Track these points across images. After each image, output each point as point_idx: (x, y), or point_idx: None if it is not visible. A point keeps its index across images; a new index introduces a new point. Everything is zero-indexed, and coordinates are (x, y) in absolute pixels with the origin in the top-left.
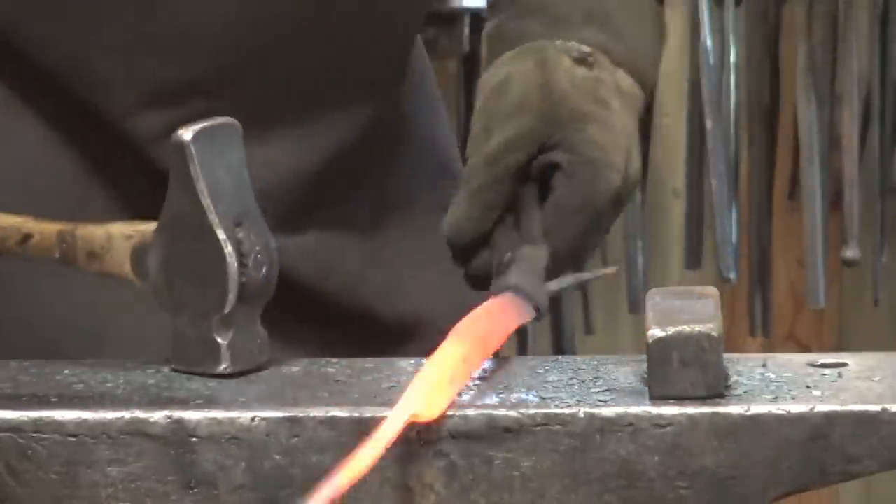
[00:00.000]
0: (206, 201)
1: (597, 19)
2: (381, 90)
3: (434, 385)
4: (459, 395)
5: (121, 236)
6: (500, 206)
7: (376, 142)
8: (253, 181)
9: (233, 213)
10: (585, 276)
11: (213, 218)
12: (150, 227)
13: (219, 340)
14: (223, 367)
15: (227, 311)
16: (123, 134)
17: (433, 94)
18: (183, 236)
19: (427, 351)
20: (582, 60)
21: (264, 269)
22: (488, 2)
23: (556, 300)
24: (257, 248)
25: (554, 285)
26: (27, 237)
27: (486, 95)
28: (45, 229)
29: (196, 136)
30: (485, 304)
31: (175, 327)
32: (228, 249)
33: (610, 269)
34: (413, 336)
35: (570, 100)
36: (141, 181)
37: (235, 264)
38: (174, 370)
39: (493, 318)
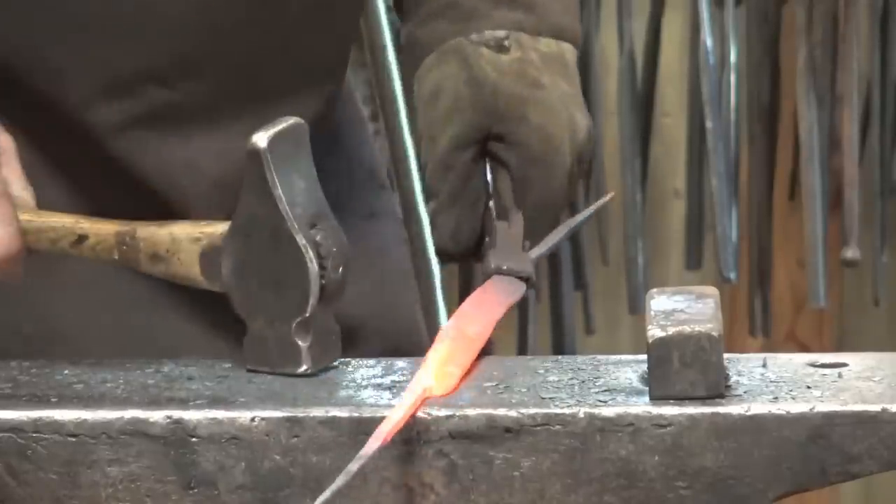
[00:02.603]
0: (284, 207)
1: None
2: (327, 83)
3: (444, 362)
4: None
5: (187, 239)
6: (479, 199)
7: (315, 141)
8: (209, 170)
9: (308, 216)
10: (576, 219)
11: (291, 223)
12: (217, 229)
13: (300, 343)
14: (304, 368)
15: (308, 314)
16: (79, 126)
17: (358, 106)
18: (259, 241)
19: (369, 354)
20: (500, 47)
21: (340, 270)
22: (399, 13)
23: (556, 299)
24: (334, 248)
25: (537, 251)
26: (82, 238)
27: (423, 107)
28: (101, 230)
29: (271, 142)
30: (475, 292)
31: (250, 329)
32: (309, 255)
33: (605, 198)
34: (354, 339)
35: (502, 88)
36: (98, 173)
37: (316, 269)
38: (249, 370)
39: (486, 303)
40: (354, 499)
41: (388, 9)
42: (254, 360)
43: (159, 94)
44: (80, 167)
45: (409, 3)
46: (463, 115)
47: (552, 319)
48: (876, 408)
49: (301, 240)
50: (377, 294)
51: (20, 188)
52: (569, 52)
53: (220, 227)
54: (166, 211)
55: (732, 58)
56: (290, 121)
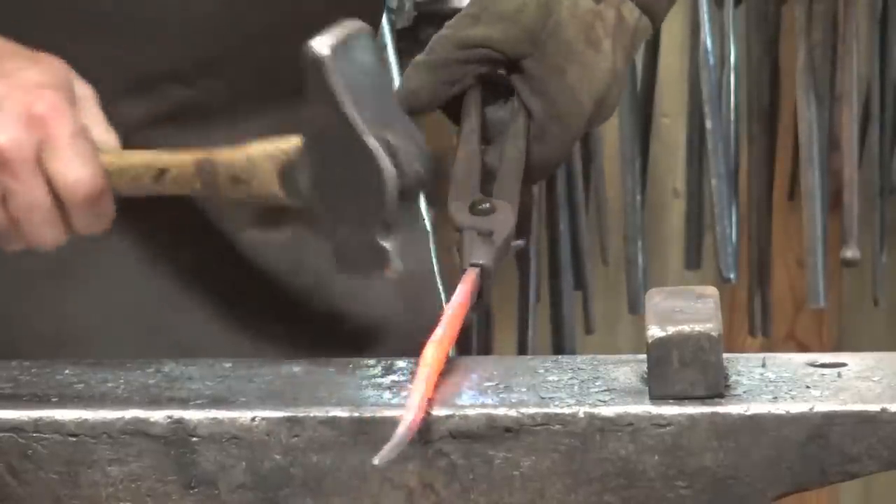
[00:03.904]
0: (353, 113)
1: None
2: None
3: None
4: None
5: (264, 157)
6: (456, 85)
7: None
8: None
9: (379, 118)
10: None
11: (361, 128)
12: (291, 143)
13: (385, 245)
14: (394, 268)
15: (388, 216)
16: None
17: None
18: (333, 150)
19: (392, 353)
20: None
21: (416, 165)
22: None
23: (556, 300)
24: (408, 147)
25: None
26: (163, 172)
27: None
28: (181, 162)
29: (333, 50)
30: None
31: (336, 238)
32: (382, 157)
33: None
34: (374, 340)
35: (563, 31)
36: None
37: (392, 170)
38: (341, 272)
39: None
40: (354, 499)
41: (388, 9)
42: (344, 267)
43: (179, 92)
44: None
45: None
46: (515, 27)
47: (552, 319)
48: (875, 408)
49: (372, 142)
50: (400, 293)
51: (102, 131)
52: (643, 30)
53: (295, 142)
54: (186, 208)
55: (732, 58)
56: (355, 25)
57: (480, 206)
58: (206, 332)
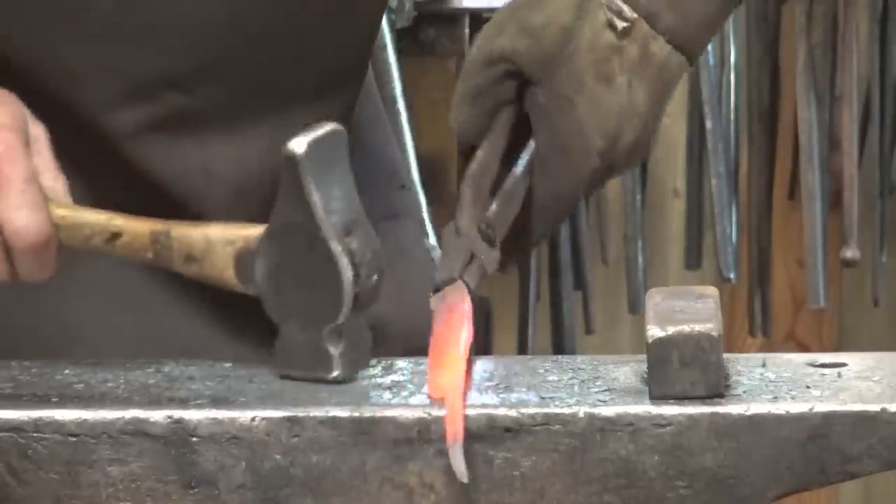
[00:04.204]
0: (320, 214)
1: None
2: (346, 87)
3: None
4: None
5: (222, 241)
6: (495, 107)
7: None
8: (227, 176)
9: (343, 222)
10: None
11: (327, 231)
12: (251, 232)
13: (331, 350)
14: (335, 374)
15: (340, 321)
16: (98, 130)
17: (379, 105)
18: (294, 246)
19: (391, 354)
20: (614, 26)
21: (374, 277)
22: None
23: (556, 300)
24: (369, 256)
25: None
26: (116, 235)
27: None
28: (135, 228)
29: (308, 149)
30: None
31: (282, 334)
32: (343, 262)
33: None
34: (375, 339)
35: (576, 61)
36: (115, 178)
37: (351, 276)
38: (283, 377)
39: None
40: (354, 499)
41: (389, 9)
42: (285, 364)
43: (177, 98)
44: (96, 172)
45: None
46: (534, 46)
47: (552, 319)
48: (875, 408)
49: (336, 247)
50: (398, 295)
51: (51, 178)
52: (677, 66)
53: (255, 231)
54: (183, 217)
55: (732, 58)
56: (328, 126)
57: (484, 230)
58: (206, 338)
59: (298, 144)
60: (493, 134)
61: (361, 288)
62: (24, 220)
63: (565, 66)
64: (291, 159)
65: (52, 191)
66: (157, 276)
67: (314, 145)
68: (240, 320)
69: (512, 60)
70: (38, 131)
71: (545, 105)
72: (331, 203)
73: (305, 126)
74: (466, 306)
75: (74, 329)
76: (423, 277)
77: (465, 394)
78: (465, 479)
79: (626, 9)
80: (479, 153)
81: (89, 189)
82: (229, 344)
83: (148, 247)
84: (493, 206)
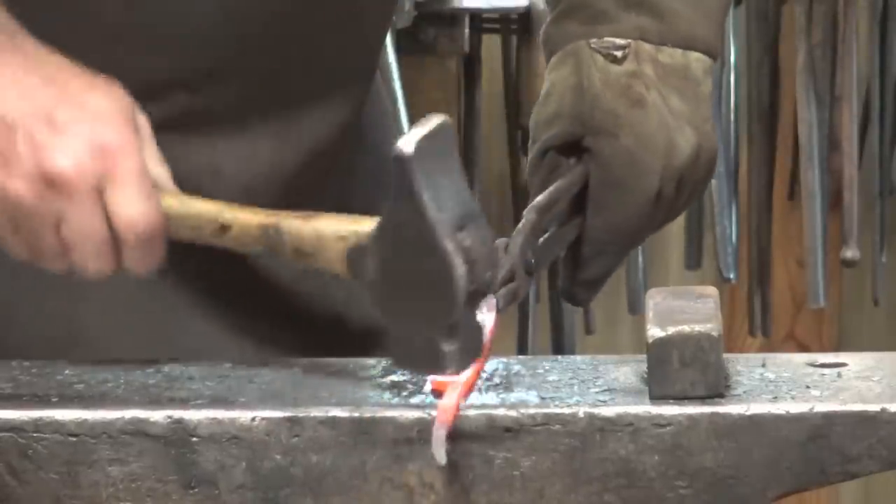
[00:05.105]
0: (432, 213)
1: (634, 2)
2: (355, 88)
3: None
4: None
5: (333, 237)
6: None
7: (342, 145)
8: (235, 175)
9: (456, 218)
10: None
11: (439, 229)
12: (363, 227)
13: (444, 347)
14: (449, 370)
15: (454, 320)
16: None
17: (386, 103)
18: (406, 244)
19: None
20: (615, 57)
21: (488, 273)
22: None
23: (556, 299)
24: (483, 251)
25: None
26: (225, 228)
27: (536, 106)
28: (244, 221)
29: (417, 148)
30: None
31: (395, 330)
32: (457, 261)
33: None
34: (374, 344)
35: (602, 101)
36: None
37: (463, 275)
38: (396, 366)
39: None
40: (354, 499)
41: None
42: (399, 360)
43: (185, 99)
44: None
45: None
46: (562, 122)
47: (552, 319)
48: (875, 408)
49: (448, 245)
50: None
51: (156, 165)
52: (696, 62)
53: (366, 225)
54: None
55: (732, 58)
56: (435, 120)
57: (528, 258)
58: (210, 339)
59: (407, 144)
60: (563, 179)
61: (476, 284)
62: (136, 211)
63: (597, 110)
64: (400, 160)
65: (159, 179)
66: (162, 278)
67: (423, 143)
68: (244, 322)
69: (553, 144)
70: (143, 120)
71: (593, 147)
72: (442, 200)
73: (414, 123)
74: (492, 321)
75: (81, 330)
76: None
77: (468, 391)
78: (443, 462)
79: (616, 40)
80: (551, 188)
81: None
82: (233, 346)
83: (258, 240)
84: (542, 240)
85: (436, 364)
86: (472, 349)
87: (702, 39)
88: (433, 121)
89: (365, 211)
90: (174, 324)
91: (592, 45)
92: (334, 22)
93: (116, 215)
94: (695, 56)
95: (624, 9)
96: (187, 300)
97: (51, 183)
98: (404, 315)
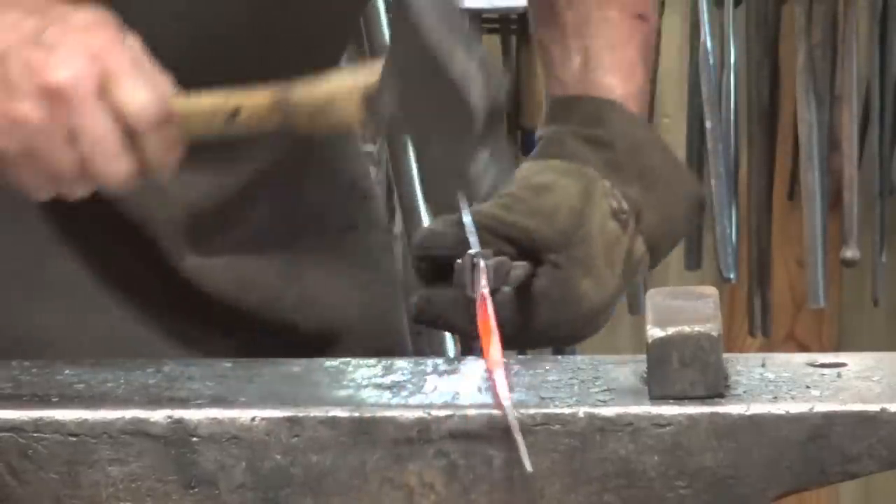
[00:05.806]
0: (438, 35)
1: (645, 180)
2: None
3: None
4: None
5: (345, 89)
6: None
7: (291, 160)
8: (174, 202)
9: (462, 41)
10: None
11: (443, 52)
12: (371, 70)
13: (475, 163)
14: (483, 189)
15: (476, 141)
16: None
17: None
18: (414, 76)
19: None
20: (617, 216)
21: (495, 90)
22: (546, 111)
23: None
24: (486, 66)
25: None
26: (236, 112)
27: (526, 186)
28: (253, 101)
29: None
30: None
31: (425, 164)
32: (474, 83)
33: None
34: (331, 344)
35: (591, 244)
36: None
37: (480, 84)
38: (429, 199)
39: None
40: (354, 499)
41: (389, 9)
42: (431, 194)
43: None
44: None
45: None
46: (547, 228)
47: None
48: (875, 407)
49: (460, 67)
50: (363, 300)
51: (156, 72)
52: (644, 264)
53: (374, 68)
54: (135, 236)
55: (732, 58)
56: None
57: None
58: (158, 348)
59: None
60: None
61: (491, 98)
62: (142, 97)
63: (583, 245)
64: None
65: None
66: (126, 276)
67: None
68: (191, 335)
69: (526, 235)
70: (132, 38)
71: (563, 267)
72: (444, 23)
73: None
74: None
75: (43, 331)
76: (387, 284)
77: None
78: (528, 466)
79: (624, 203)
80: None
81: (39, 204)
82: (200, 343)
83: (270, 116)
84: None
85: (467, 183)
86: (503, 167)
87: (659, 254)
88: None
89: (317, 221)
90: (121, 335)
91: (606, 188)
92: (287, 33)
93: (125, 107)
94: (647, 259)
95: (637, 178)
96: (131, 312)
97: (54, 97)
98: (429, 144)
